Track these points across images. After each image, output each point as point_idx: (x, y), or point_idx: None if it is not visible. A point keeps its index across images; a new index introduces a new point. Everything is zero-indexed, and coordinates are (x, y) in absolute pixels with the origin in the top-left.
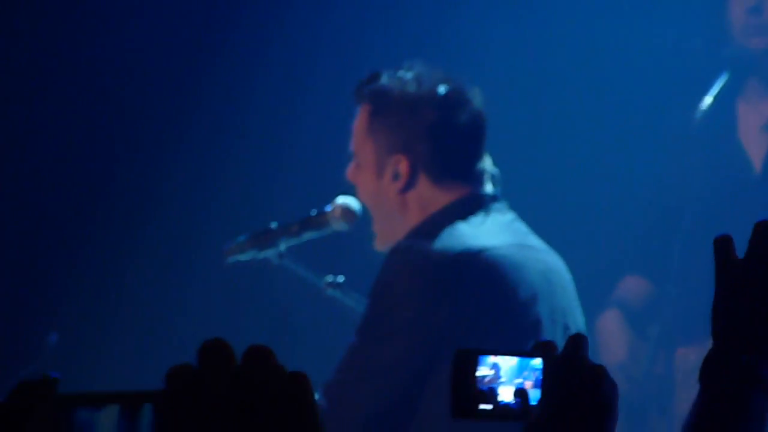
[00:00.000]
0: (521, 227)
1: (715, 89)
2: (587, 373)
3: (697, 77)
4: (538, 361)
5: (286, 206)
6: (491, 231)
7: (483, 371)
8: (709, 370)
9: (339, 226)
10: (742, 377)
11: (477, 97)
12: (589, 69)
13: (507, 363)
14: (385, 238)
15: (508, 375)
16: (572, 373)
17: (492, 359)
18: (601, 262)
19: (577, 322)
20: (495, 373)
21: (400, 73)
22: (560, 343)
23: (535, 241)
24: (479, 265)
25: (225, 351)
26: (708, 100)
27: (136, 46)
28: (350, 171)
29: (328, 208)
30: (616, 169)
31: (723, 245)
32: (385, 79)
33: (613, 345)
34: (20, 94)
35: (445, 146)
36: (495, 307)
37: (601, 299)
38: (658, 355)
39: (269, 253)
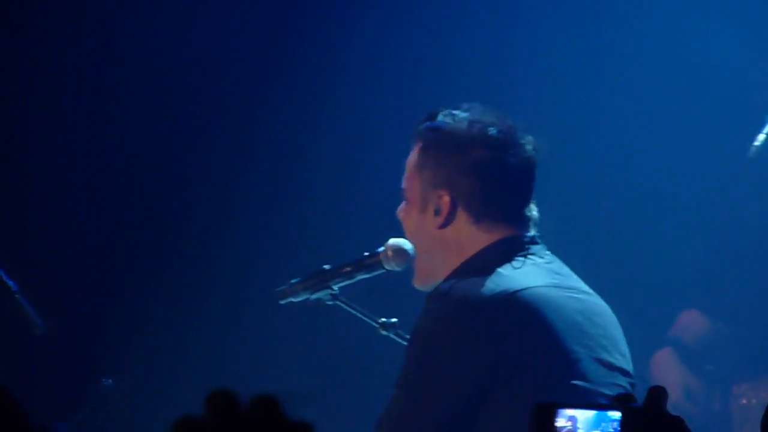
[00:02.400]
0: (560, 269)
1: None
2: (667, 425)
3: (753, 111)
4: (616, 414)
5: (339, 248)
6: (528, 272)
7: (560, 422)
8: None
9: (391, 266)
10: None
11: (529, 144)
12: (643, 104)
13: (584, 415)
14: (423, 274)
15: (585, 426)
16: (652, 424)
17: (569, 412)
18: (657, 299)
19: (622, 360)
20: (572, 425)
21: (456, 112)
22: (607, 382)
23: (573, 282)
24: (515, 305)
25: (231, 400)
26: (761, 137)
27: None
28: (400, 208)
29: (380, 249)
30: (673, 205)
31: None
32: (440, 117)
33: (668, 383)
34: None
35: (488, 186)
36: (533, 346)
37: (657, 337)
38: (714, 392)
39: (322, 294)
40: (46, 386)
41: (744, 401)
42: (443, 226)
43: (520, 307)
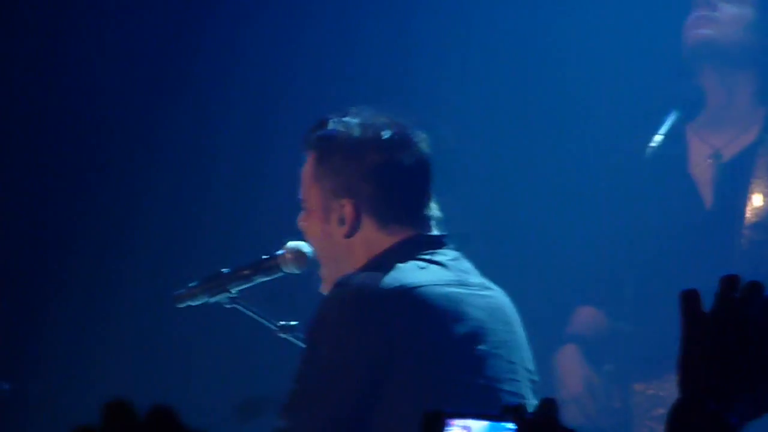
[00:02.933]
0: (463, 266)
1: (666, 126)
2: None
3: (650, 112)
4: (511, 425)
5: (238, 252)
6: (430, 270)
7: None
8: (676, 418)
9: (290, 269)
10: (710, 425)
11: (423, 141)
12: (542, 97)
13: (478, 425)
14: (332, 283)
15: None
16: None
17: (463, 422)
18: (558, 297)
19: (524, 356)
20: None
21: (346, 118)
22: (506, 378)
23: (476, 279)
24: (413, 300)
25: (126, 410)
26: (658, 137)
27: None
28: (300, 218)
29: (279, 252)
30: (570, 200)
31: (690, 299)
32: (330, 125)
33: (569, 379)
34: None
35: (389, 189)
36: (432, 343)
37: (557, 336)
38: (613, 390)
39: (221, 298)
40: None
41: (643, 401)
42: (349, 234)
43: (416, 303)
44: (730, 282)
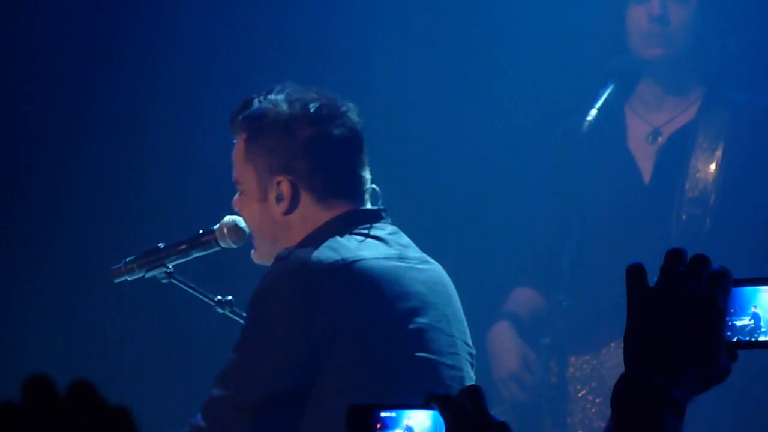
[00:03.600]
0: (402, 240)
1: (601, 99)
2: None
3: (587, 86)
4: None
5: (175, 227)
6: (369, 244)
7: None
8: (621, 393)
9: (227, 243)
10: (654, 399)
11: (352, 111)
12: (479, 73)
13: (420, 424)
14: (273, 258)
15: None
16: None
17: (406, 422)
18: (491, 272)
19: (462, 330)
20: None
21: (272, 95)
22: (447, 352)
23: (415, 253)
24: (353, 274)
25: (47, 386)
26: (594, 111)
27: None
28: (235, 201)
29: (215, 227)
30: (506, 178)
31: (635, 273)
32: (256, 104)
33: (505, 356)
34: None
35: (323, 161)
36: (374, 316)
37: (492, 311)
38: (550, 364)
39: (157, 273)
40: None
41: (579, 374)
42: (289, 211)
43: (357, 276)
44: (676, 256)
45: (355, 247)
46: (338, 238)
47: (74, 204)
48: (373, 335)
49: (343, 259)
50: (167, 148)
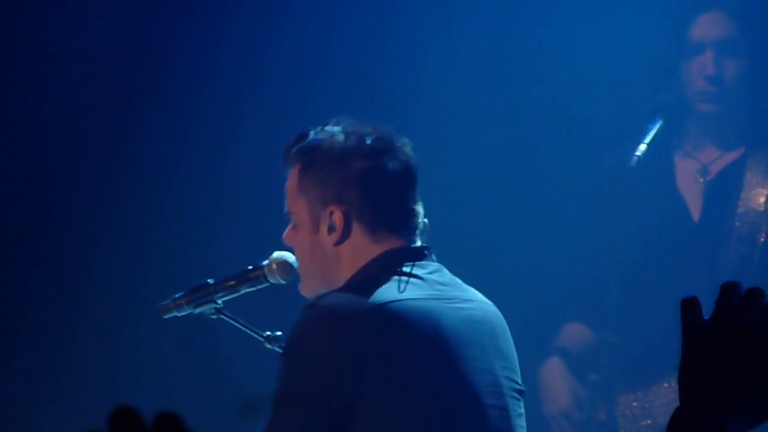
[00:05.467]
0: (444, 278)
1: (650, 135)
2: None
3: (632, 118)
4: None
5: (223, 263)
6: (406, 284)
7: None
8: (675, 427)
9: (275, 279)
10: None
11: (407, 146)
12: (524, 106)
13: None
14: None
15: None
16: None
17: None
18: (540, 307)
19: (507, 367)
20: None
21: (327, 127)
22: (488, 391)
23: (458, 291)
24: (387, 318)
25: (134, 418)
26: (643, 147)
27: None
28: (287, 234)
29: (264, 263)
30: (553, 212)
31: (690, 307)
32: (311, 136)
33: (555, 393)
34: None
35: (375, 193)
36: (408, 360)
37: (543, 347)
38: (598, 402)
39: (206, 309)
40: None
41: (629, 412)
42: (340, 241)
43: (389, 320)
44: (729, 289)
45: (390, 289)
46: (375, 280)
47: (125, 234)
48: (409, 379)
49: (373, 303)
50: (214, 181)
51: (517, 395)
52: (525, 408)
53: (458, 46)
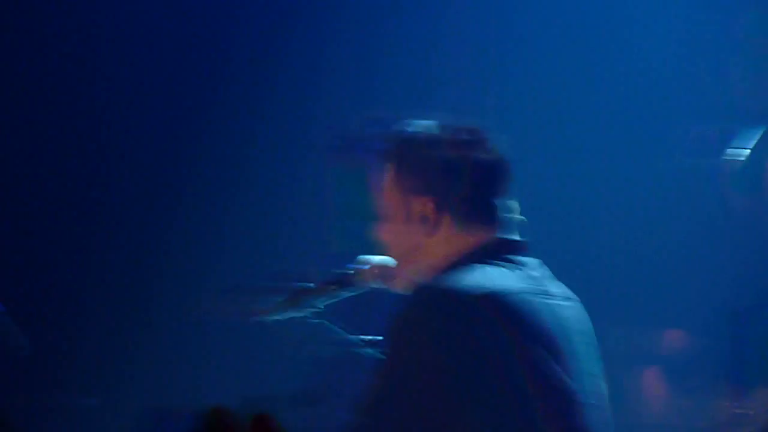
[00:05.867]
0: (536, 272)
1: (752, 141)
2: None
3: (732, 125)
4: None
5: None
6: (512, 275)
7: None
8: None
9: (376, 283)
10: None
11: (498, 140)
12: (625, 116)
13: None
14: (413, 284)
15: None
16: None
17: None
18: (640, 317)
19: (591, 366)
20: None
21: (416, 123)
22: (578, 389)
23: (549, 287)
24: (497, 306)
25: (230, 419)
26: (746, 152)
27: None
28: (378, 232)
29: (365, 267)
30: (654, 222)
31: None
32: (401, 132)
33: (654, 401)
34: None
35: (469, 186)
36: (505, 348)
37: (643, 355)
38: (700, 407)
39: (306, 313)
40: (32, 408)
41: (730, 418)
42: (432, 232)
43: (499, 309)
44: None
45: (498, 278)
46: (480, 266)
47: (221, 244)
48: (501, 368)
49: (485, 290)
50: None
51: (604, 392)
52: (618, 417)
53: (535, 42)
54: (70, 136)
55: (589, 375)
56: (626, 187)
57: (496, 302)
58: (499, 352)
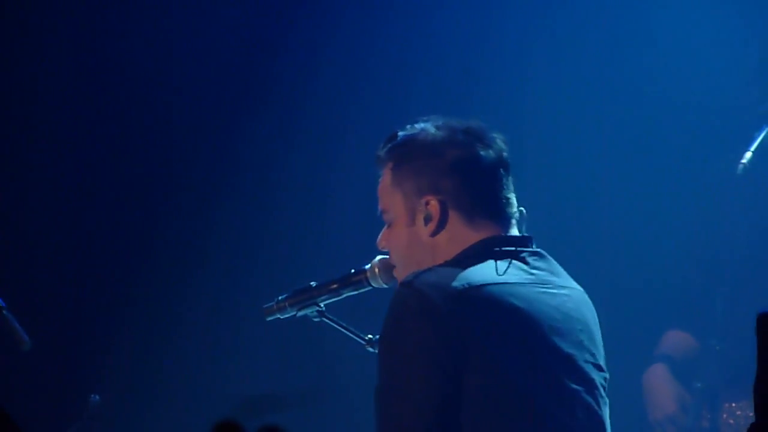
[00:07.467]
0: (543, 264)
1: (756, 142)
2: None
3: (739, 129)
4: None
5: (323, 266)
6: (504, 267)
7: None
8: None
9: (378, 283)
10: None
11: (499, 138)
12: (632, 116)
13: None
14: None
15: None
16: None
17: None
18: (644, 316)
19: (597, 357)
20: None
21: (417, 124)
22: (578, 378)
23: (555, 277)
24: (480, 299)
25: (237, 430)
26: (748, 154)
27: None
28: (382, 235)
29: (367, 266)
30: (660, 223)
31: (765, 323)
32: (401, 133)
33: (661, 399)
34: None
35: (471, 181)
36: (501, 341)
37: (646, 353)
38: (701, 410)
39: (309, 311)
40: (34, 403)
41: (732, 421)
42: (437, 231)
43: (484, 301)
44: None
45: (484, 271)
46: (470, 262)
47: (226, 237)
48: (500, 361)
49: (468, 283)
50: (317, 184)
51: (603, 382)
52: (625, 412)
53: (562, 46)
54: (81, 134)
55: (581, 362)
56: (639, 188)
57: (475, 294)
58: (484, 343)
